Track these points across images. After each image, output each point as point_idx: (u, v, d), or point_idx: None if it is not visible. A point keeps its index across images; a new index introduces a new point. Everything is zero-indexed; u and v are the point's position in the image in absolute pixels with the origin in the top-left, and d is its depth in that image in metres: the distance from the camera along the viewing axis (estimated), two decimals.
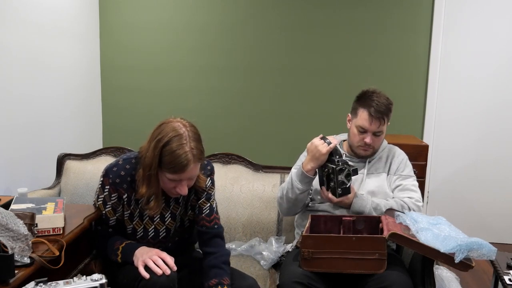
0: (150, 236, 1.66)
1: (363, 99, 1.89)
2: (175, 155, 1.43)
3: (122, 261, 1.56)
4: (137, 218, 1.64)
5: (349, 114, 1.97)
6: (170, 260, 1.47)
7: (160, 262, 1.45)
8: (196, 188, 1.66)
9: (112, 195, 1.60)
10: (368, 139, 1.87)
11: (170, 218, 1.67)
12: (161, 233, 1.67)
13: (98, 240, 1.67)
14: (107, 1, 3.40)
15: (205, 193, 1.68)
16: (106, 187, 1.60)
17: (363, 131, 1.88)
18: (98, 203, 1.63)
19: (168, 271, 1.43)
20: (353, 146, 1.94)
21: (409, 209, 1.82)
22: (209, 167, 1.71)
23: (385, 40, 3.30)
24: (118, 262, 1.57)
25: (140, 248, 1.54)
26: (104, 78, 3.49)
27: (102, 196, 1.62)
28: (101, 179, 1.62)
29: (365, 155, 1.94)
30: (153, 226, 1.66)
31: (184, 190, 1.52)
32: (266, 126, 3.47)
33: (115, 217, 1.64)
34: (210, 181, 1.70)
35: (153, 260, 1.45)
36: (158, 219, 1.65)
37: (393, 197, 1.91)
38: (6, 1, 2.31)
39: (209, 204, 1.68)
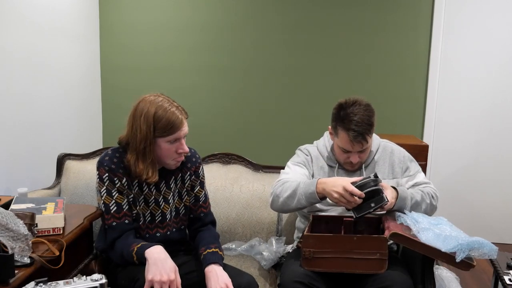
0: (148, 220, 1.69)
1: (341, 117, 1.73)
2: (169, 116, 1.55)
3: (139, 262, 1.51)
4: (130, 205, 1.65)
5: (330, 127, 1.83)
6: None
7: None
8: (190, 172, 1.74)
9: (114, 180, 1.60)
10: (354, 159, 1.78)
11: (163, 202, 1.71)
12: (157, 217, 1.70)
13: (116, 239, 1.59)
14: (107, 1, 3.39)
15: (199, 181, 1.78)
16: (105, 175, 1.61)
17: (346, 151, 1.78)
18: (103, 198, 1.61)
19: None
20: (339, 161, 1.86)
21: (433, 197, 1.80)
22: (197, 155, 1.80)
23: (385, 40, 3.30)
24: (135, 264, 1.53)
25: (154, 253, 1.47)
26: (104, 78, 3.49)
27: (104, 187, 1.61)
28: (97, 172, 1.63)
29: (352, 169, 1.85)
30: (148, 211, 1.68)
31: (186, 148, 1.61)
32: (266, 126, 3.47)
33: (126, 200, 1.63)
34: (202, 169, 1.81)
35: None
36: (153, 203, 1.68)
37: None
38: (6, 1, 2.31)
39: (203, 191, 1.80)
